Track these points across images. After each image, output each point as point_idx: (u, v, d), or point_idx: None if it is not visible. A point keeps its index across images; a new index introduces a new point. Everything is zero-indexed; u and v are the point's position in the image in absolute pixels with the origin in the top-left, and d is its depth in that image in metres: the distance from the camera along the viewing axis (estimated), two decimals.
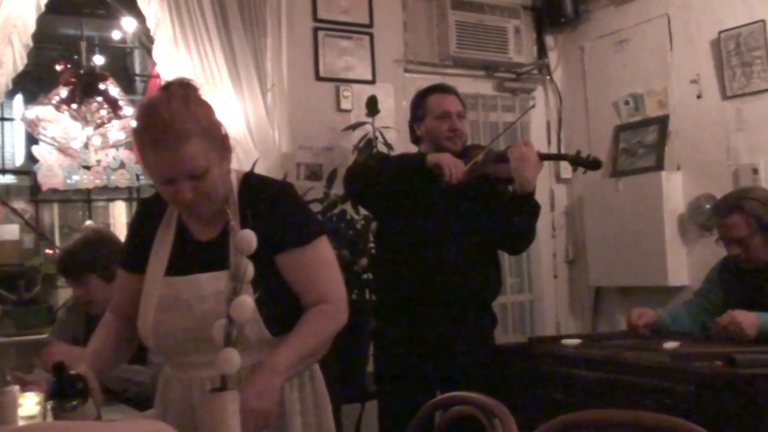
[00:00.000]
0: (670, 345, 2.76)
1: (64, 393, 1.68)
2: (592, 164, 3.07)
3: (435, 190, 2.97)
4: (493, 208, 3.03)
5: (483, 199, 3.06)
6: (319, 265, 1.85)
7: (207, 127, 1.74)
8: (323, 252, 1.87)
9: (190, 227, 1.88)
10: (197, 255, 1.84)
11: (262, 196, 1.84)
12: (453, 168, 2.87)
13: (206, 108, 1.78)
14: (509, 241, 3.11)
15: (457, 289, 2.96)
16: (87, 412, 1.69)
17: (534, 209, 3.02)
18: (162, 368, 2.00)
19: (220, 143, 1.78)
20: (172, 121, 1.67)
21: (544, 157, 3.08)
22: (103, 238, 2.86)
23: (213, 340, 1.53)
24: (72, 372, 1.71)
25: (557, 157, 3.52)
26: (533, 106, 4.84)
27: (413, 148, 3.27)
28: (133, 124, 1.78)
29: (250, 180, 1.91)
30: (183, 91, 1.74)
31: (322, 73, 4.32)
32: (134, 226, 2.01)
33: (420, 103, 3.16)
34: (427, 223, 3.00)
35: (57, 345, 2.64)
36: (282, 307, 1.82)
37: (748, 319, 2.73)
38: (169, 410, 1.88)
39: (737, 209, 2.95)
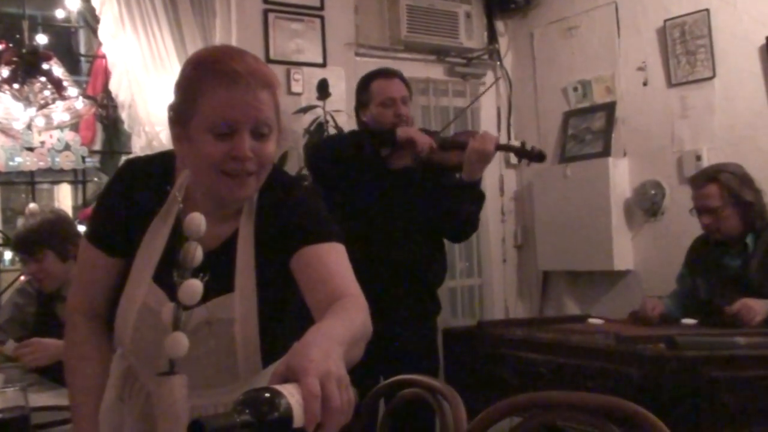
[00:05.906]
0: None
1: None
2: (537, 156, 3.12)
3: (385, 174, 2.96)
4: (438, 196, 3.02)
5: (429, 187, 3.05)
6: (341, 262, 1.50)
7: (279, 93, 1.50)
8: (344, 254, 1.54)
9: None
10: None
11: (291, 193, 1.57)
12: (426, 142, 2.92)
13: None
14: (453, 228, 3.11)
15: (401, 276, 2.95)
16: None
17: (479, 197, 3.04)
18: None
19: (280, 123, 1.50)
20: (258, 65, 1.45)
21: (498, 147, 3.08)
22: (62, 219, 2.90)
23: (204, 375, 1.38)
24: None
25: (507, 149, 3.58)
26: (483, 91, 4.86)
27: None
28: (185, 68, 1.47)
29: (276, 177, 1.58)
30: None
31: (272, 56, 4.27)
32: (118, 192, 1.57)
33: (364, 89, 3.14)
34: (373, 210, 2.98)
35: (38, 342, 2.57)
36: (281, 333, 1.56)
37: (758, 305, 2.83)
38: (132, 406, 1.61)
39: (714, 180, 3.06)
